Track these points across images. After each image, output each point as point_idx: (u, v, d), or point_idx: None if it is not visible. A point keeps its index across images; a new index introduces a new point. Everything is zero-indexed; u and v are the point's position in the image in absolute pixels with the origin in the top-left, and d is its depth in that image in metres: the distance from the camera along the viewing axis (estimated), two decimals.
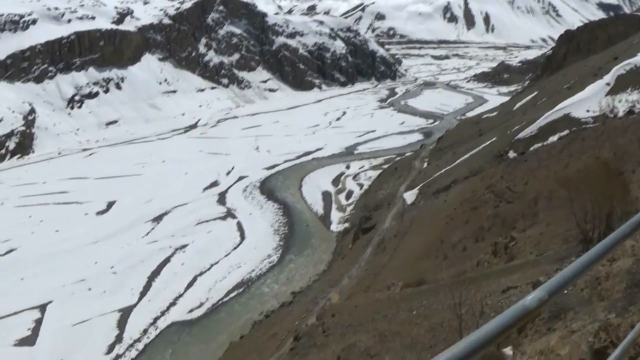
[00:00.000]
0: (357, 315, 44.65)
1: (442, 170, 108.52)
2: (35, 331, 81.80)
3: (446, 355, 3.17)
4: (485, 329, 3.36)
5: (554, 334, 12.46)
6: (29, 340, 79.83)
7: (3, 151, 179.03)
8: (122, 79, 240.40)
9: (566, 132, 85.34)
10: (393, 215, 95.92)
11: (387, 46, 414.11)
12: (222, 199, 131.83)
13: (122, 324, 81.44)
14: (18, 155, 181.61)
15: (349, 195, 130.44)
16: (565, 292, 13.33)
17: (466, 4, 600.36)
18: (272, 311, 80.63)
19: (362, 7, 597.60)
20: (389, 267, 70.25)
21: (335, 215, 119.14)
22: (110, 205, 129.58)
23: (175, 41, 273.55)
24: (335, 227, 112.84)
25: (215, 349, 72.87)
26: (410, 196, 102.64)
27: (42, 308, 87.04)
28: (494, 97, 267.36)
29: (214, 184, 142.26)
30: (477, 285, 33.78)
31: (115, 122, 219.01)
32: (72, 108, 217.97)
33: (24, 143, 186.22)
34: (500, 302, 29.19)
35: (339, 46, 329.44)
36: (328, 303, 66.07)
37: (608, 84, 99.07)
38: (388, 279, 59.78)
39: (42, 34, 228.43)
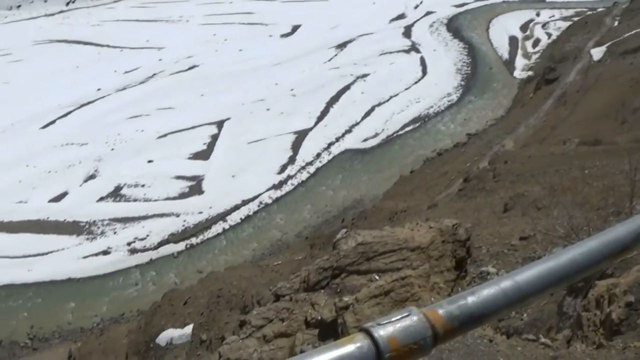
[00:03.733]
0: (529, 166, 44.45)
1: (633, 32, 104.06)
2: (211, 146, 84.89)
3: None
4: None
5: None
6: (203, 155, 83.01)
7: None
8: None
9: None
10: (578, 69, 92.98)
11: None
12: (407, 32, 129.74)
13: (296, 146, 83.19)
14: None
15: (536, 43, 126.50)
16: None
17: None
18: (445, 150, 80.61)
19: None
20: (567, 122, 68.92)
21: (519, 61, 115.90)
22: (295, 28, 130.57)
23: None
24: (519, 73, 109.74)
25: (384, 180, 73.80)
26: (597, 53, 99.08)
27: (219, 124, 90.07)
28: None
29: (401, 16, 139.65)
30: None
31: None
32: None
33: None
34: None
35: None
36: (502, 149, 65.64)
37: None
38: (564, 134, 58.96)
39: None
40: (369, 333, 2.33)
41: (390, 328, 2.35)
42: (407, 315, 2.40)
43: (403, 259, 14.65)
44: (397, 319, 2.39)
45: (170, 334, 35.97)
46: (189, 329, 34.19)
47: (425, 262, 14.74)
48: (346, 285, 14.47)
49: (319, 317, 13.73)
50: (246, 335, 14.97)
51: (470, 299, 2.45)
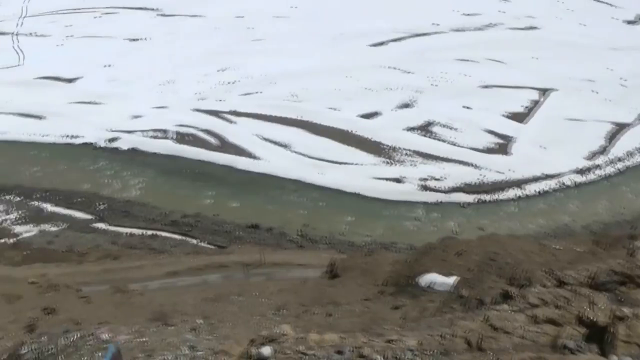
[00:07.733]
0: None
1: None
2: (530, 111, 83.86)
3: None
4: None
5: None
6: (520, 117, 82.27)
7: None
8: None
9: None
10: None
11: None
12: None
13: (611, 137, 79.96)
14: None
15: None
16: None
17: None
18: None
19: None
20: None
21: None
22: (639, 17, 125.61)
23: None
24: None
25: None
26: None
27: (544, 92, 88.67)
28: None
29: None
30: None
31: None
32: None
33: None
34: None
35: None
36: None
37: None
38: None
39: None
40: None
41: None
42: None
43: None
44: None
45: (433, 278, 36.24)
46: (452, 279, 34.44)
47: None
48: (630, 297, 14.20)
49: (593, 318, 13.58)
50: (518, 309, 15.07)
51: None
